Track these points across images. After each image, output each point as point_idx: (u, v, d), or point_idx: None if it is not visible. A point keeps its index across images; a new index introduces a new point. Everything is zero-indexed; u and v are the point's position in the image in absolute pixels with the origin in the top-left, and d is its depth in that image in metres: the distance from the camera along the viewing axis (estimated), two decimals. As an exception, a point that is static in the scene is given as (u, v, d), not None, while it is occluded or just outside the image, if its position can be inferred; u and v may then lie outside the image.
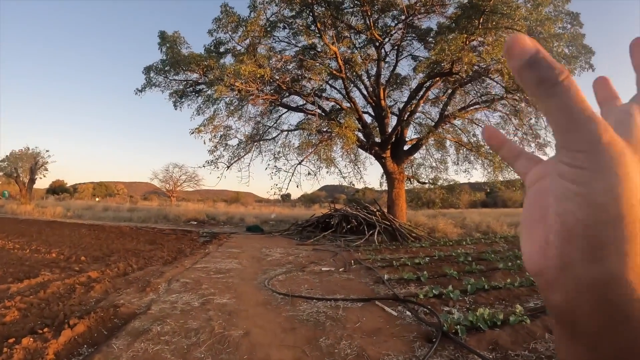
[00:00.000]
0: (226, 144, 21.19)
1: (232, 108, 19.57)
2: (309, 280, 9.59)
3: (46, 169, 57.92)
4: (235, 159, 21.28)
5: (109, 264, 11.17)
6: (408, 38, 22.80)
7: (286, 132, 22.72)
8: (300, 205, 58.98)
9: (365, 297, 7.76)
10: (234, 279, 9.59)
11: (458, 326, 5.68)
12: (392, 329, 5.98)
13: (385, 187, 24.76)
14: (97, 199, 65.75)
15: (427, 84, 21.00)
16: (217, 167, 20.74)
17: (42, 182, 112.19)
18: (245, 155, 21.71)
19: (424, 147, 23.83)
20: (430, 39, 22.02)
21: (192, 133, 17.02)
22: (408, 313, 6.77)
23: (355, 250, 15.23)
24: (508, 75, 15.32)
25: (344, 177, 22.36)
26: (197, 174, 70.64)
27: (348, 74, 20.53)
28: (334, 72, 19.50)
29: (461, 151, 24.58)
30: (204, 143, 17.74)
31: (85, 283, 8.59)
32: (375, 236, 18.40)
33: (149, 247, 15.20)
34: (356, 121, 19.19)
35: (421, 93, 22.11)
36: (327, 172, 22.34)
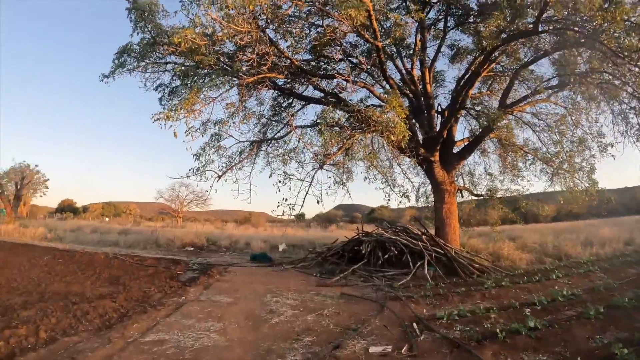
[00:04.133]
0: (219, 146, 15.74)
1: (220, 84, 13.95)
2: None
3: (46, 187, 55.01)
4: (230, 167, 16.02)
5: (8, 326, 6.97)
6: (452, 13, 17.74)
7: (300, 130, 16.99)
8: (316, 226, 54.19)
9: None
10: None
11: None
12: None
13: (421, 202, 19.68)
14: (106, 219, 63.36)
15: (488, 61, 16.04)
16: (205, 178, 15.27)
17: (50, 201, 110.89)
18: (243, 161, 16.40)
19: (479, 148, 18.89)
20: (472, 20, 17.18)
21: (157, 120, 11.69)
22: None
23: (407, 297, 10.12)
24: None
25: (390, 186, 16.57)
26: (204, 192, 66.00)
27: (384, 44, 15.20)
28: (367, 37, 14.08)
29: (509, 156, 19.44)
30: (175, 136, 11.68)
31: None
32: (426, 270, 13.30)
33: (103, 289, 10.81)
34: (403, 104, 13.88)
35: (465, 78, 17.28)
36: (366, 178, 16.30)
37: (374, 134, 12.59)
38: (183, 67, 14.22)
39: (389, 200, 16.09)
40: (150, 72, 15.80)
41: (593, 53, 13.99)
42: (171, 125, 11.63)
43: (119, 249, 23.18)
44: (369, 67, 16.72)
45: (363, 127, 12.45)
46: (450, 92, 19.06)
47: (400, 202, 16.43)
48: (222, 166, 15.88)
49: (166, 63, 15.55)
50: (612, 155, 16.29)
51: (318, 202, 13.86)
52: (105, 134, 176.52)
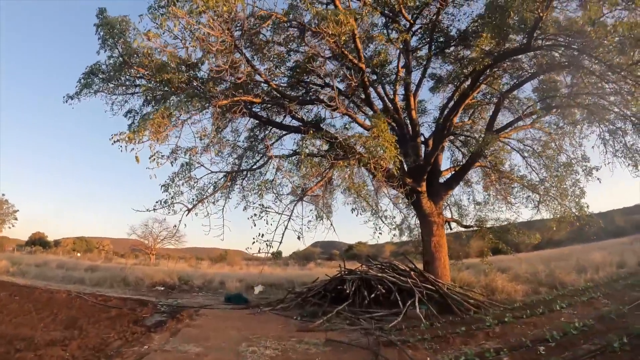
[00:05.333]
0: (189, 177, 14.26)
1: (190, 107, 11.89)
2: None
3: (15, 218, 53.03)
4: (201, 199, 14.67)
5: None
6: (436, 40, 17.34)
7: (278, 159, 15.81)
8: (294, 264, 52.57)
9: None
10: None
11: None
12: None
13: (405, 236, 18.62)
14: (78, 254, 60.32)
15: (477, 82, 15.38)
16: (174, 211, 13.90)
17: (21, 234, 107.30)
18: (216, 193, 15.27)
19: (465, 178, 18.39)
20: (454, 44, 17.03)
21: (117, 141, 10.40)
22: None
23: (402, 341, 8.97)
24: None
25: (382, 218, 15.17)
26: (173, 227, 63.91)
27: (367, 69, 14.37)
28: (351, 57, 13.19)
29: (497, 184, 18.74)
30: (137, 161, 10.31)
31: None
32: (418, 309, 12.16)
33: (56, 334, 9.43)
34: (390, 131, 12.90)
35: (450, 105, 16.73)
36: (354, 210, 15.03)
37: (360, 163, 11.44)
38: (151, 86, 13.07)
39: (380, 234, 14.90)
40: (118, 95, 14.70)
41: (581, 72, 13.76)
42: (133, 149, 10.35)
43: (85, 287, 21.67)
44: (349, 94, 15.98)
45: (347, 156, 11.43)
46: (434, 120, 18.77)
47: (394, 235, 15.29)
48: (193, 199, 14.65)
49: (136, 86, 14.45)
50: (598, 179, 16.02)
51: (299, 237, 12.64)
52: (83, 165, 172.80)
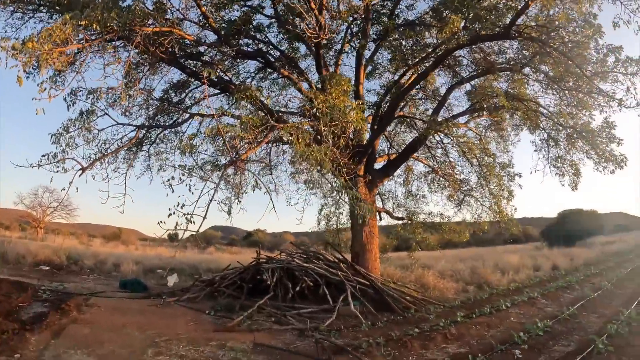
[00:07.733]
0: (88, 127, 11.21)
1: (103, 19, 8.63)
2: None
3: None
4: (101, 157, 11.84)
5: None
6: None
7: (200, 119, 13.68)
8: (192, 248, 49.50)
9: None
10: None
11: None
12: None
13: (322, 225, 16.81)
14: None
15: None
16: (64, 169, 10.55)
17: None
18: (119, 151, 12.72)
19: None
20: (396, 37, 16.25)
21: None
22: None
23: (353, 347, 7.47)
24: None
25: (339, 198, 12.97)
26: (70, 202, 58.11)
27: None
28: (313, 5, 11.06)
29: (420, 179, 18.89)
30: (19, 83, 7.09)
31: None
32: (352, 305, 10.73)
33: None
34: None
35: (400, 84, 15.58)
36: (306, 183, 12.78)
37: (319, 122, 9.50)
38: None
39: (340, 214, 13.31)
40: (15, 12, 11.94)
41: (524, 77, 14.75)
42: (15, 65, 7.60)
43: (-47, 264, 18.12)
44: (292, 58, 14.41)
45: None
46: (376, 102, 17.50)
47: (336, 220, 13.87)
48: (90, 156, 11.84)
49: (40, 5, 11.62)
50: (520, 185, 16.41)
51: (229, 212, 10.45)
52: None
